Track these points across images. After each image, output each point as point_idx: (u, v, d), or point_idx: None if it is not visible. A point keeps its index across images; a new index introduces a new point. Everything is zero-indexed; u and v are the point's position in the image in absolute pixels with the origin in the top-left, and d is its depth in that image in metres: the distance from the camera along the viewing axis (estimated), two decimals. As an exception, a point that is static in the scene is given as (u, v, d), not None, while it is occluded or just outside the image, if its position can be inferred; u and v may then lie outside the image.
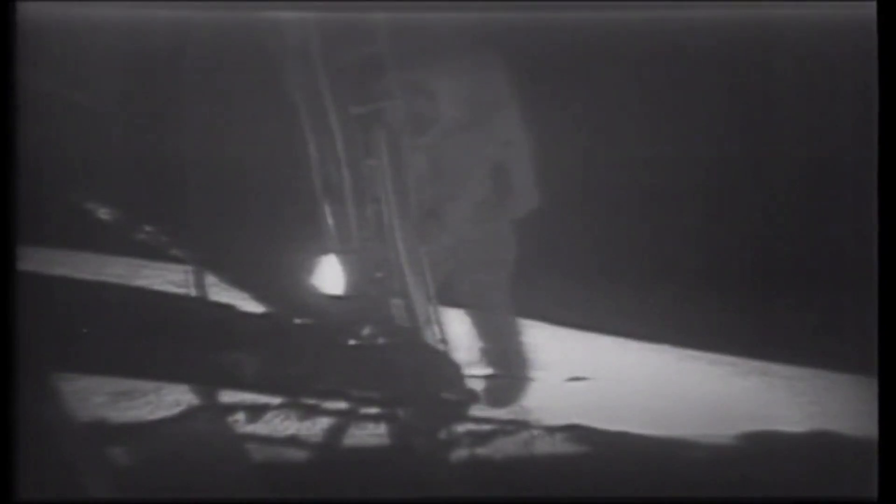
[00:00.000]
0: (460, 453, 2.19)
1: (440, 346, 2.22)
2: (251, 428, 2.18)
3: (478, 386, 2.21)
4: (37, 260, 2.13)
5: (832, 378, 2.20)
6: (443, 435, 2.20)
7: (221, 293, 2.21)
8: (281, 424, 2.18)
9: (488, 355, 2.24)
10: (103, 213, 2.17)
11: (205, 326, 2.18)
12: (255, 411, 2.18)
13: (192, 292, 2.19)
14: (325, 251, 2.22)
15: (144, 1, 2.16)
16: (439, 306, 2.23)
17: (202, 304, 2.19)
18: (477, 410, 2.20)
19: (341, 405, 2.20)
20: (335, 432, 2.19)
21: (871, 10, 2.15)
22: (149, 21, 2.16)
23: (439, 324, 2.22)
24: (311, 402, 2.19)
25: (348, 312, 2.22)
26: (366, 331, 2.21)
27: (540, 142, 2.20)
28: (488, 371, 2.22)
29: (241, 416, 2.18)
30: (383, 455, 2.19)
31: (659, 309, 2.19)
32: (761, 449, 2.18)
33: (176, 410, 2.17)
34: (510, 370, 2.23)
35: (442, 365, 2.22)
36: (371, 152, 2.22)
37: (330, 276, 2.22)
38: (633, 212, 2.19)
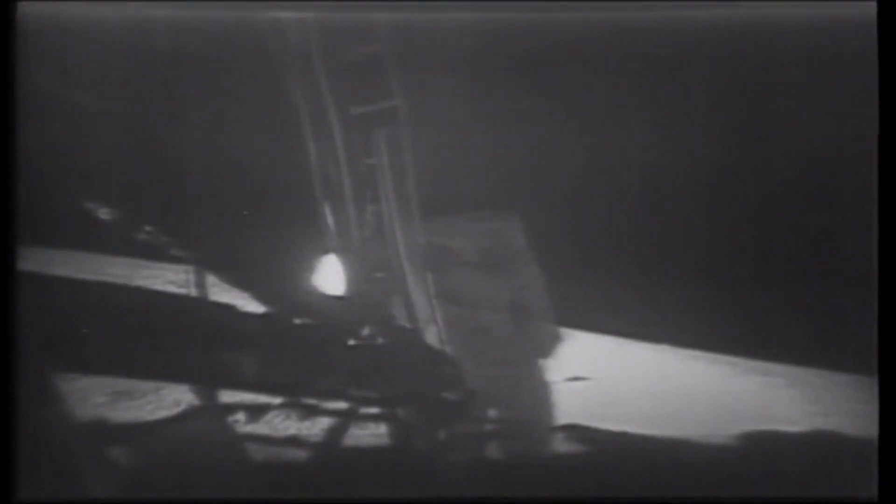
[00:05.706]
0: (460, 453, 2.19)
1: (440, 346, 2.22)
2: (251, 428, 2.18)
3: (478, 386, 2.21)
4: (37, 260, 2.13)
5: (832, 378, 2.20)
6: (443, 435, 2.20)
7: (221, 293, 2.21)
8: (281, 424, 2.18)
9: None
10: (103, 213, 2.17)
11: (205, 326, 2.18)
12: (255, 411, 2.18)
13: (192, 292, 2.19)
14: (325, 251, 2.22)
15: (144, 1, 2.16)
16: (439, 306, 2.23)
17: (202, 304, 2.19)
18: (477, 410, 2.20)
19: (341, 405, 2.20)
20: (335, 432, 2.19)
21: (871, 10, 2.15)
22: (149, 21, 2.16)
23: (439, 324, 2.22)
24: (311, 402, 2.19)
25: (348, 312, 2.21)
26: (366, 331, 2.21)
27: (541, 141, 2.20)
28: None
29: (241, 416, 2.18)
30: (383, 455, 2.19)
31: (659, 309, 2.19)
32: (761, 449, 2.18)
33: (176, 410, 2.17)
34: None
35: (442, 365, 2.22)
36: (371, 152, 2.23)
37: (330, 276, 2.22)
38: (633, 211, 2.19)
